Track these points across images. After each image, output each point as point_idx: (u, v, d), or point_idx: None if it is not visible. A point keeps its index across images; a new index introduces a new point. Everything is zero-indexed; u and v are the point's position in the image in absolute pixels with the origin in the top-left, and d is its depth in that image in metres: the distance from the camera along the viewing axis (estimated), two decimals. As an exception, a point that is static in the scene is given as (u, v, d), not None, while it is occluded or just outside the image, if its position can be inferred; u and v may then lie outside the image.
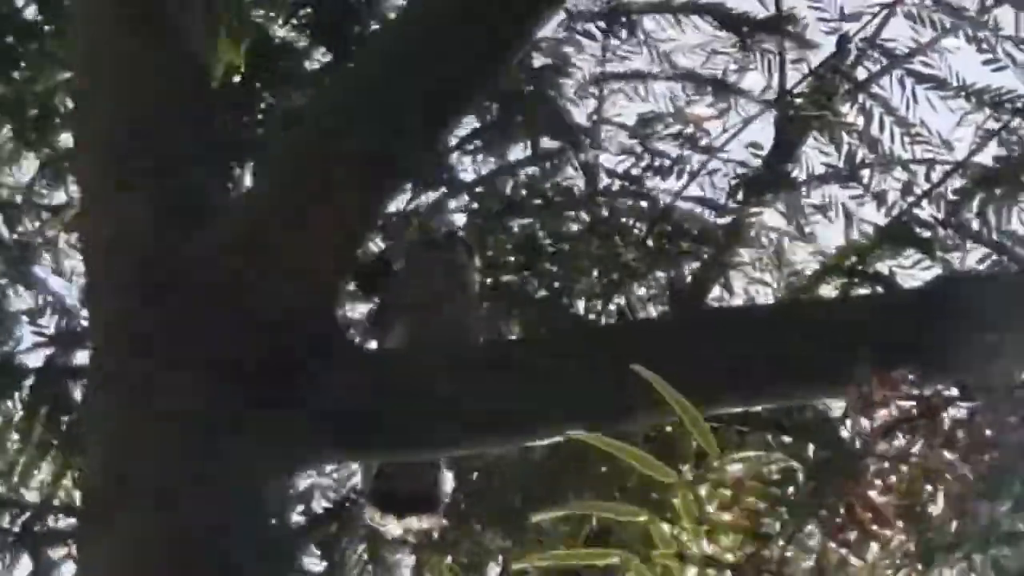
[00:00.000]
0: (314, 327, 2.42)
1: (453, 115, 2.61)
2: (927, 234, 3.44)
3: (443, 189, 3.47)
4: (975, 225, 3.45)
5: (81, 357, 3.60)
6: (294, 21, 3.43)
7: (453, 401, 2.41)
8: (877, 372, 1.52)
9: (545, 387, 2.40)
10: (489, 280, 3.38)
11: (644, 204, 3.55)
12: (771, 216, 3.62)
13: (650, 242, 3.52)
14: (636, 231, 3.54)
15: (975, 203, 3.44)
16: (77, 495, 3.64)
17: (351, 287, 3.15)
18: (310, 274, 2.45)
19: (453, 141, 3.44)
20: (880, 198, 3.64)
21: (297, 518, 3.55)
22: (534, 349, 2.63)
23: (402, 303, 2.86)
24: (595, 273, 3.53)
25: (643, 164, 3.58)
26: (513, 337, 3.28)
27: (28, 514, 3.67)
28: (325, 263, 2.48)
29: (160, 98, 2.59)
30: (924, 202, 3.61)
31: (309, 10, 3.42)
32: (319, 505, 3.59)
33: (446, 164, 3.47)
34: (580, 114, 3.60)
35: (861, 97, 3.63)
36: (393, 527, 2.86)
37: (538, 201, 3.45)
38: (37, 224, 3.68)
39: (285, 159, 2.64)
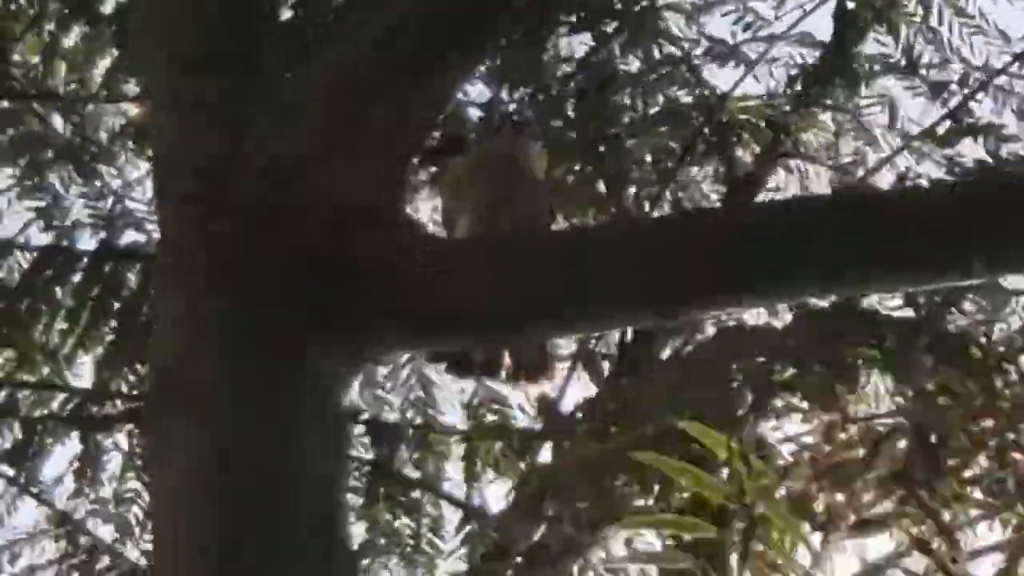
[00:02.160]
0: (379, 221, 2.40)
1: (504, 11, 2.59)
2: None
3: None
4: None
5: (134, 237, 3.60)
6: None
7: (520, 288, 2.39)
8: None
9: (611, 277, 2.38)
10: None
11: (701, 92, 3.52)
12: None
13: (707, 130, 3.49)
14: (693, 120, 3.51)
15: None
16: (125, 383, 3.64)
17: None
18: (373, 169, 2.43)
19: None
20: (937, 89, 3.62)
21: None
22: (598, 238, 2.60)
23: (468, 193, 2.84)
24: (650, 161, 3.52)
25: (700, 51, 3.55)
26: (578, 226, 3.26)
27: (77, 400, 3.64)
28: (387, 157, 2.47)
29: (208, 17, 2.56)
30: (981, 94, 3.60)
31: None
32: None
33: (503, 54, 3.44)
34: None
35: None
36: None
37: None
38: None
39: (337, 65, 2.61)
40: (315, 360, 2.29)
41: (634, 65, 3.54)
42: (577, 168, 3.44)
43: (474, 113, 3.48)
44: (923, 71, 3.61)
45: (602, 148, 3.46)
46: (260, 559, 2.15)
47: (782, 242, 2.30)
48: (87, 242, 3.61)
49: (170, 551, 2.20)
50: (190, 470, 2.20)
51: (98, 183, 3.68)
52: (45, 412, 3.67)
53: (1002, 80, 3.61)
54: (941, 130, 3.60)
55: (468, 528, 3.56)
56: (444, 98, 2.63)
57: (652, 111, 3.52)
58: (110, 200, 3.66)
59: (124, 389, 3.65)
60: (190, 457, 2.21)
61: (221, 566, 2.14)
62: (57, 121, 3.70)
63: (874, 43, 3.61)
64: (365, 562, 3.59)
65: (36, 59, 3.66)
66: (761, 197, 3.50)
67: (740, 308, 2.81)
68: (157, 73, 2.56)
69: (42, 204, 3.63)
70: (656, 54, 3.52)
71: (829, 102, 3.57)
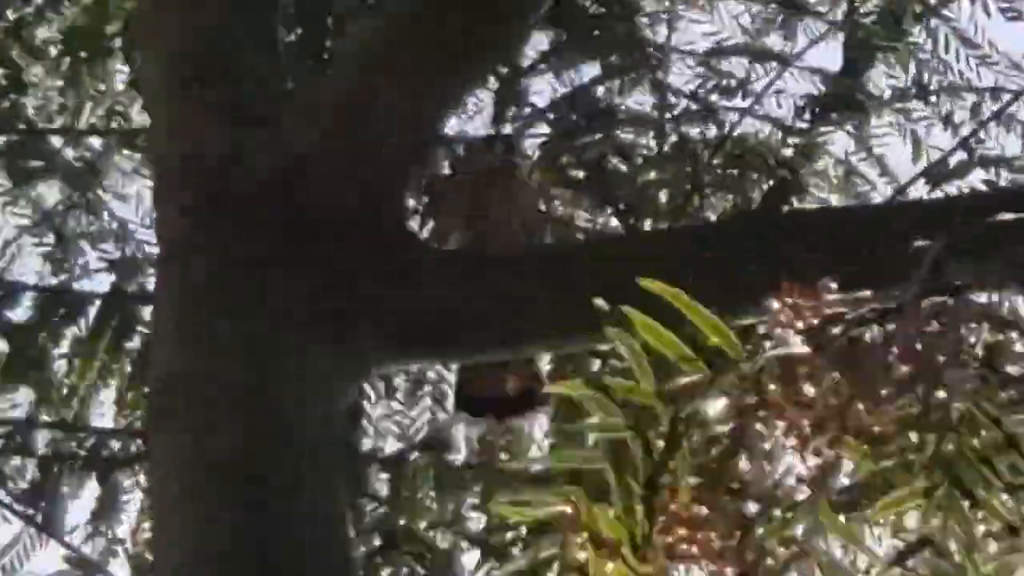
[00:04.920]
0: (378, 228, 2.41)
1: (516, 22, 2.61)
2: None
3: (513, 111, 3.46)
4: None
5: (145, 282, 3.61)
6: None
7: (522, 299, 2.38)
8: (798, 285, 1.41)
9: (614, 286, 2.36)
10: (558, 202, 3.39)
11: (712, 126, 3.53)
12: (839, 139, 3.60)
13: (717, 162, 3.50)
14: (704, 153, 3.52)
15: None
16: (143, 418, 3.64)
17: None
18: (373, 177, 2.44)
19: (525, 62, 3.44)
20: (948, 120, 3.62)
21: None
22: (601, 248, 2.60)
23: (454, 210, 2.86)
24: (663, 196, 3.52)
25: (710, 84, 3.55)
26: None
27: (95, 439, 3.65)
28: (388, 167, 2.48)
29: (220, 5, 2.59)
30: (992, 124, 3.59)
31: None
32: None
33: (517, 87, 3.46)
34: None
35: (930, 19, 3.60)
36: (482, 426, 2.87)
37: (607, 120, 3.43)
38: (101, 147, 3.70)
39: (343, 63, 2.64)
40: (317, 368, 2.29)
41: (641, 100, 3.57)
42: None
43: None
44: (933, 99, 3.61)
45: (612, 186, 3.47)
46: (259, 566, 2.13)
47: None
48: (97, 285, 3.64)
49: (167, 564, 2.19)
50: (190, 481, 2.19)
51: (105, 217, 3.71)
52: (63, 452, 3.68)
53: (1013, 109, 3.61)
54: (953, 161, 3.60)
55: (486, 566, 3.55)
56: (458, 96, 2.63)
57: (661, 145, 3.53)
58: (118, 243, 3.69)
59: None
60: (190, 468, 2.20)
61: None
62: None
63: (883, 75, 3.62)
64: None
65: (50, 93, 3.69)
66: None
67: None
68: (158, 81, 2.58)
69: (49, 247, 3.66)
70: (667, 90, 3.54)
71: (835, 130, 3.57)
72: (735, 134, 3.55)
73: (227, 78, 2.50)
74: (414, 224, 2.98)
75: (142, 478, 3.71)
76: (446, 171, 3.11)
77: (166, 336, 2.36)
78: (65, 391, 3.58)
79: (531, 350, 2.59)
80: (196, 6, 2.58)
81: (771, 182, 3.53)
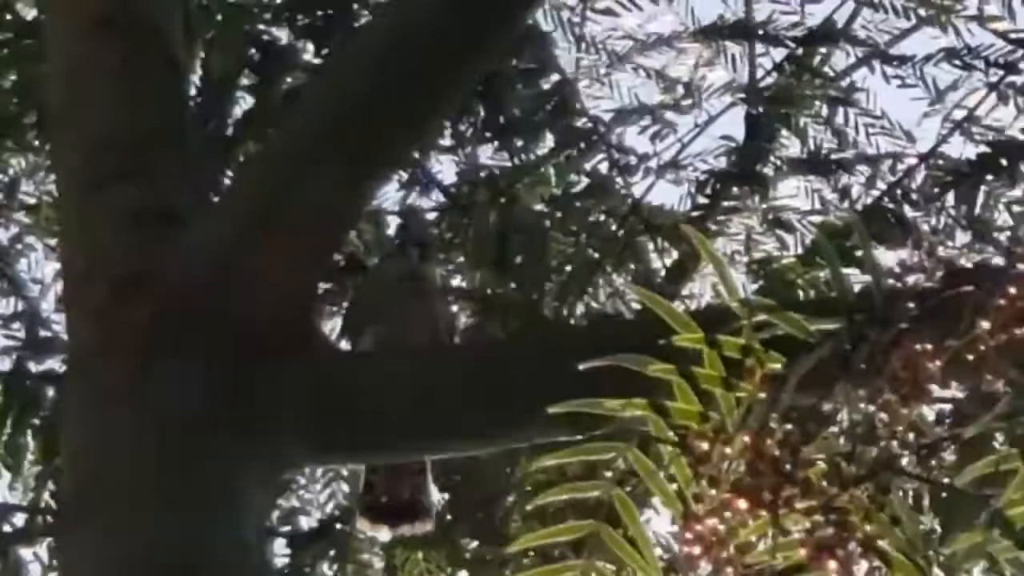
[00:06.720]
0: (292, 330, 2.42)
1: (433, 117, 2.62)
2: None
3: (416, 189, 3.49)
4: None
5: (52, 363, 3.59)
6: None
7: (430, 401, 2.40)
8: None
9: (526, 388, 2.39)
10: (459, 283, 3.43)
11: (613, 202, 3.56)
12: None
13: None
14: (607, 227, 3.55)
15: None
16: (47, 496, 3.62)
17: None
18: (287, 278, 2.45)
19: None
20: (845, 192, 3.67)
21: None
22: (513, 349, 2.63)
23: (367, 313, 2.88)
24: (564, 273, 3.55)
25: (610, 161, 3.59)
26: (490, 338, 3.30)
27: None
28: (302, 266, 2.49)
29: (135, 103, 2.58)
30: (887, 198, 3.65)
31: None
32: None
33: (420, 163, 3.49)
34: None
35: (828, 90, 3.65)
36: (384, 535, 2.89)
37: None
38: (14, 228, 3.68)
39: (260, 165, 2.65)
40: (233, 470, 2.30)
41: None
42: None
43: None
44: (831, 173, 3.65)
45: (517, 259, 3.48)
46: None
47: None
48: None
49: None
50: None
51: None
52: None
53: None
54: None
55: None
56: (371, 190, 2.65)
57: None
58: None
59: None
60: (111, 567, 2.21)
61: None
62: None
63: (782, 145, 3.66)
64: None
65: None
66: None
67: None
68: (66, 180, 2.57)
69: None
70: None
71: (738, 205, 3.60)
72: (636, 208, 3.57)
73: (137, 179, 2.49)
74: (327, 324, 3.01)
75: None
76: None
77: (77, 437, 2.36)
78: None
79: (454, 449, 2.62)
80: (106, 104, 2.57)
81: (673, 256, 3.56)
